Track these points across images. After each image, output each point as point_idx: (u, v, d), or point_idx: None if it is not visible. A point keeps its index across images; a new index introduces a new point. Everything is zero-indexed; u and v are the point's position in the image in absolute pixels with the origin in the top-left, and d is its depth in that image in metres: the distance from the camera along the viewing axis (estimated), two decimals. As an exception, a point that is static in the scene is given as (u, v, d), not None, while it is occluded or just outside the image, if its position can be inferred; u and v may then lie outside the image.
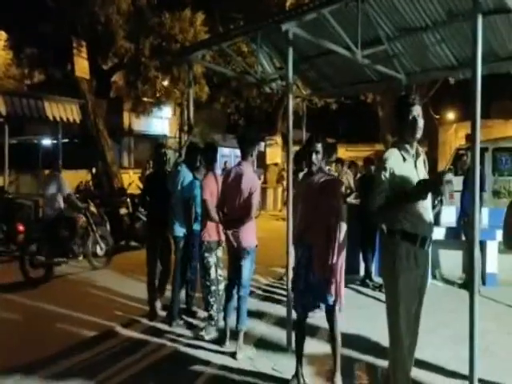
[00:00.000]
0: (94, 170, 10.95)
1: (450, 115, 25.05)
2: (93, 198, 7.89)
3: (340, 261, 3.09)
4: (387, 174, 2.52)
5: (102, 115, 11.40)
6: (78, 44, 10.32)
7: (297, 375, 3.26)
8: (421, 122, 2.56)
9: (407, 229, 2.54)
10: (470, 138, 3.06)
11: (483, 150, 8.25)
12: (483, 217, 5.91)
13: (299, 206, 3.36)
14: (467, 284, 4.51)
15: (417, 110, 2.55)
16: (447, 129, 22.65)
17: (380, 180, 2.55)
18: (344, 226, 3.12)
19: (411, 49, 5.79)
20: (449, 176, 2.46)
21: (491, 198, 9.47)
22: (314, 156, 3.17)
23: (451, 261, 6.18)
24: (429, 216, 2.61)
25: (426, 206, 2.58)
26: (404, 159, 2.58)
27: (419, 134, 2.58)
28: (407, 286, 2.52)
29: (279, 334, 4.06)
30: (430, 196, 2.57)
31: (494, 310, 3.40)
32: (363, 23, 4.96)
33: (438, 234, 5.72)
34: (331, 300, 3.12)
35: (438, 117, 21.48)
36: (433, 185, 2.41)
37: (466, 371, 2.84)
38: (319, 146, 3.18)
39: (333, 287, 3.10)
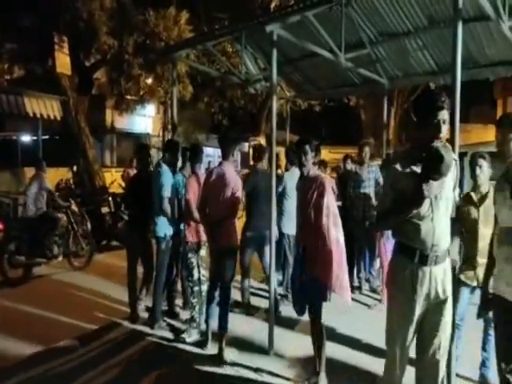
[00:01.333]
0: (75, 168, 10.75)
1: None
2: (74, 197, 7.76)
3: (334, 260, 3.09)
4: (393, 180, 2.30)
5: (84, 112, 11.21)
6: (60, 39, 10.13)
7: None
8: (444, 129, 2.23)
9: (405, 241, 2.30)
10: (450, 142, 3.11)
11: (462, 155, 8.44)
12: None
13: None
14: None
15: (444, 115, 2.21)
16: (428, 132, 22.97)
17: (386, 186, 2.40)
18: (338, 226, 3.15)
19: (393, 54, 5.88)
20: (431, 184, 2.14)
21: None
22: (303, 157, 3.26)
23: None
24: (435, 230, 2.24)
25: (432, 217, 2.24)
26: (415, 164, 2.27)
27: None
28: (400, 303, 2.32)
29: (261, 337, 4.06)
30: (446, 207, 2.29)
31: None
32: (347, 27, 5.02)
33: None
34: (320, 301, 3.17)
35: (419, 120, 21.78)
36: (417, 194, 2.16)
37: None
38: (307, 147, 3.25)
39: (323, 288, 3.14)
